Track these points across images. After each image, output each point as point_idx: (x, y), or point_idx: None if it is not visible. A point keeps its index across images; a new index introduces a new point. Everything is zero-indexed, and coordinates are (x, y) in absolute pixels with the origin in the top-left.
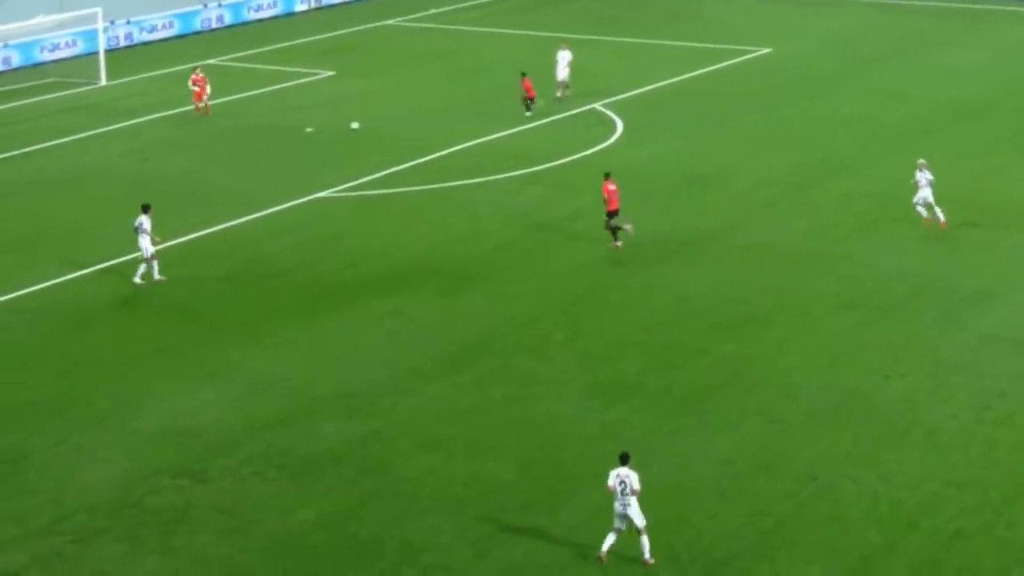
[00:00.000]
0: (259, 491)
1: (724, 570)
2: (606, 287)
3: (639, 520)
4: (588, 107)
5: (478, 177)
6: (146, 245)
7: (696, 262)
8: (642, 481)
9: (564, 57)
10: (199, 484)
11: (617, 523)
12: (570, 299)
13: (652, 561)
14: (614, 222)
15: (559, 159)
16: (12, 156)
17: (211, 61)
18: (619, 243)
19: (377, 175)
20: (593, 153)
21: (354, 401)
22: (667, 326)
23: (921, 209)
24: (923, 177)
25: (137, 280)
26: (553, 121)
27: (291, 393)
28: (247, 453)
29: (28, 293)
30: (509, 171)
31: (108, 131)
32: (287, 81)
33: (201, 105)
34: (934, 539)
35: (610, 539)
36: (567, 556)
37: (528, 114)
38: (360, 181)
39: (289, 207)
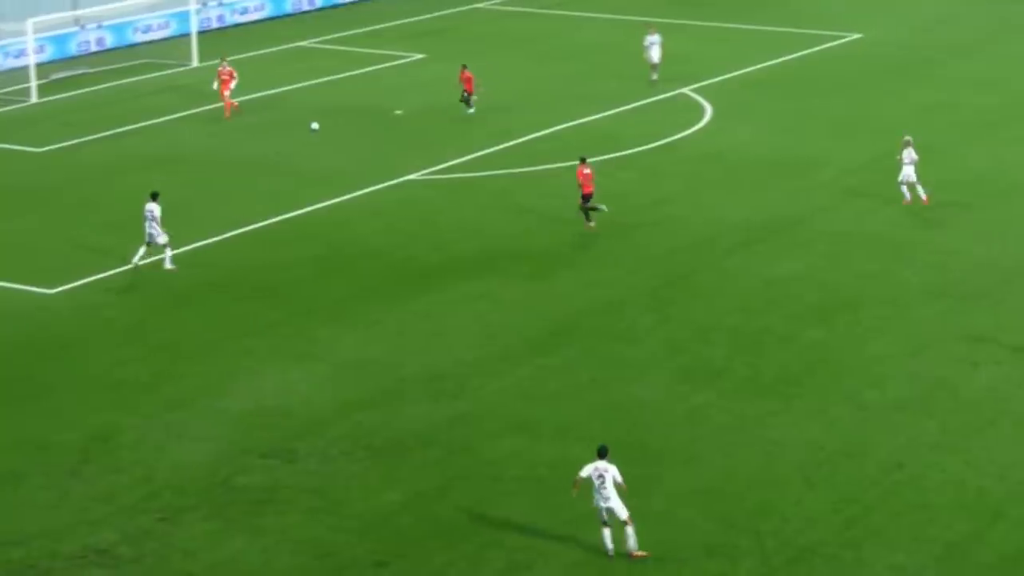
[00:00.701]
0: (347, 471)
1: (809, 557)
2: (694, 272)
3: (623, 512)
4: (677, 92)
5: (567, 161)
6: (156, 232)
7: (784, 248)
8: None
9: (655, 40)
10: (287, 464)
11: (603, 516)
12: (658, 283)
13: (640, 553)
14: (588, 204)
15: (648, 144)
16: (105, 137)
17: (302, 43)
18: (592, 223)
19: (466, 158)
20: (682, 138)
21: (441, 383)
22: (754, 312)
23: (904, 189)
24: (907, 155)
25: (169, 266)
26: (642, 106)
27: (379, 374)
28: (335, 433)
29: (122, 272)
30: (598, 155)
31: (199, 112)
32: (377, 64)
33: (230, 102)
34: (1021, 528)
35: (607, 534)
36: (654, 541)
37: (470, 111)
38: (449, 164)
39: (379, 189)
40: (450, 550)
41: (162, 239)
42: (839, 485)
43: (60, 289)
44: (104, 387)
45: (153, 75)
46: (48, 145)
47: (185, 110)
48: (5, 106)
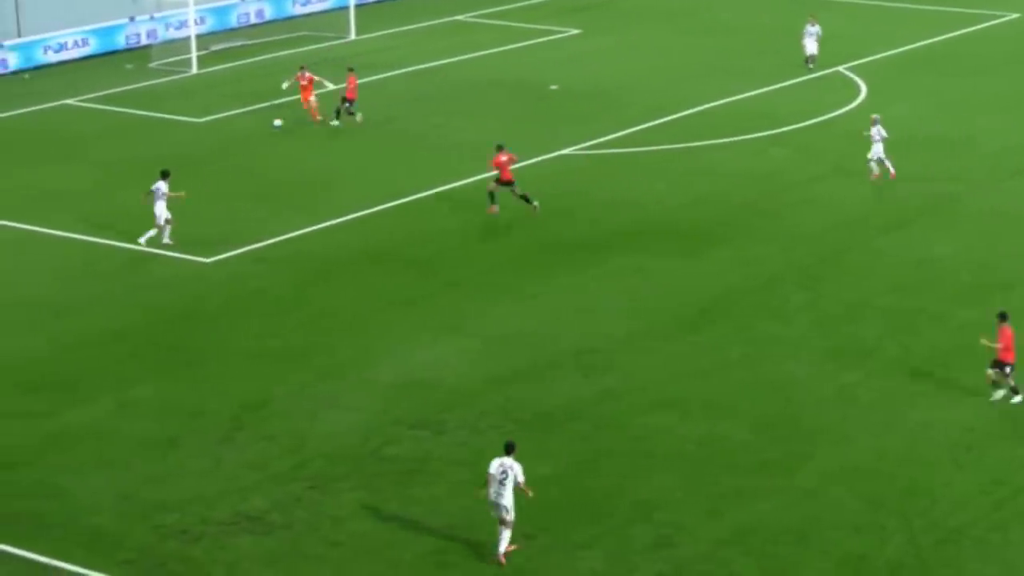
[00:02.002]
0: (495, 444)
1: (957, 538)
2: (847, 250)
3: (510, 513)
4: (832, 70)
5: (721, 138)
6: (161, 211)
7: (939, 227)
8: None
9: (813, 31)
10: (437, 435)
11: (494, 512)
12: (810, 261)
13: (503, 561)
14: (518, 191)
15: (802, 121)
16: (263, 108)
17: (459, 17)
18: (536, 204)
19: (620, 133)
20: (836, 116)
21: (591, 357)
22: (907, 291)
23: (873, 165)
24: (877, 132)
25: (167, 240)
26: (796, 83)
27: (529, 348)
28: (484, 406)
29: (276, 242)
30: (752, 132)
31: (357, 84)
32: (534, 38)
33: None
34: None
35: (506, 534)
36: (801, 518)
37: (337, 122)
38: (603, 139)
39: (532, 163)
40: (596, 524)
41: (163, 219)
42: (988, 467)
43: (215, 258)
44: (257, 356)
45: (310, 47)
46: (207, 115)
47: (341, 82)
48: (166, 76)
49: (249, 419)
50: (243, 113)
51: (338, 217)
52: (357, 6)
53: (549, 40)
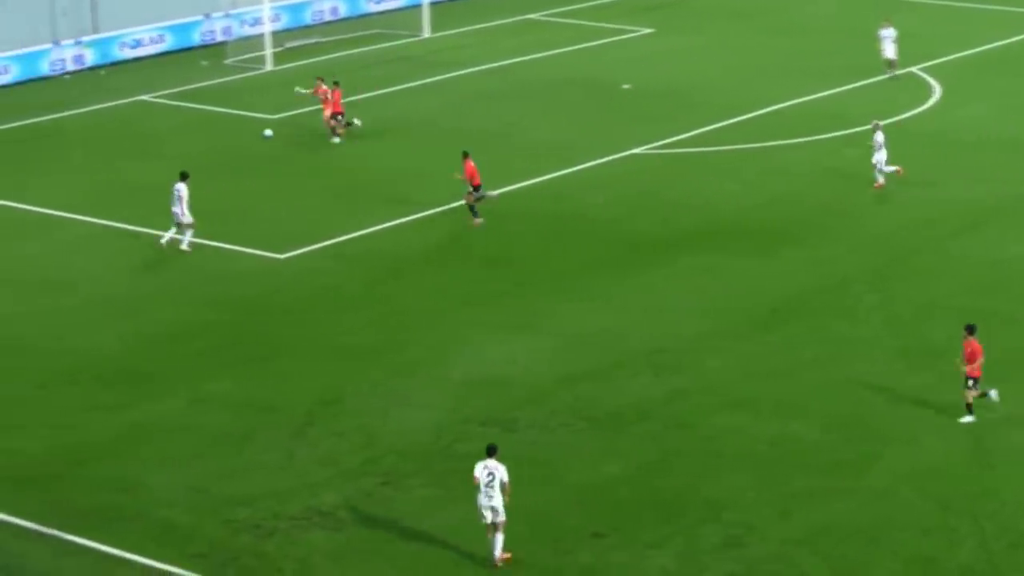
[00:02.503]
0: (566, 442)
1: None
2: (919, 251)
3: (502, 515)
4: (905, 70)
5: (794, 138)
6: (181, 212)
7: (1012, 229)
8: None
9: (888, 35)
10: (508, 433)
11: (486, 516)
12: (882, 262)
13: (500, 563)
14: (478, 194)
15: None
16: None
17: (532, 16)
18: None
19: (692, 133)
20: (909, 117)
21: (662, 357)
22: (980, 292)
23: (877, 173)
24: (879, 138)
25: (185, 248)
26: (869, 84)
27: (601, 346)
28: (556, 404)
29: (350, 239)
30: (825, 132)
31: (429, 83)
32: (606, 37)
33: (333, 119)
34: None
35: (498, 539)
36: (871, 519)
37: (338, 139)
38: (675, 138)
39: (604, 162)
40: (666, 524)
41: (186, 220)
42: None
43: (289, 255)
44: (330, 352)
45: (384, 45)
46: (280, 112)
47: (414, 80)
48: (241, 73)
49: (321, 415)
50: (317, 110)
51: (411, 215)
52: (431, 4)
53: (622, 39)
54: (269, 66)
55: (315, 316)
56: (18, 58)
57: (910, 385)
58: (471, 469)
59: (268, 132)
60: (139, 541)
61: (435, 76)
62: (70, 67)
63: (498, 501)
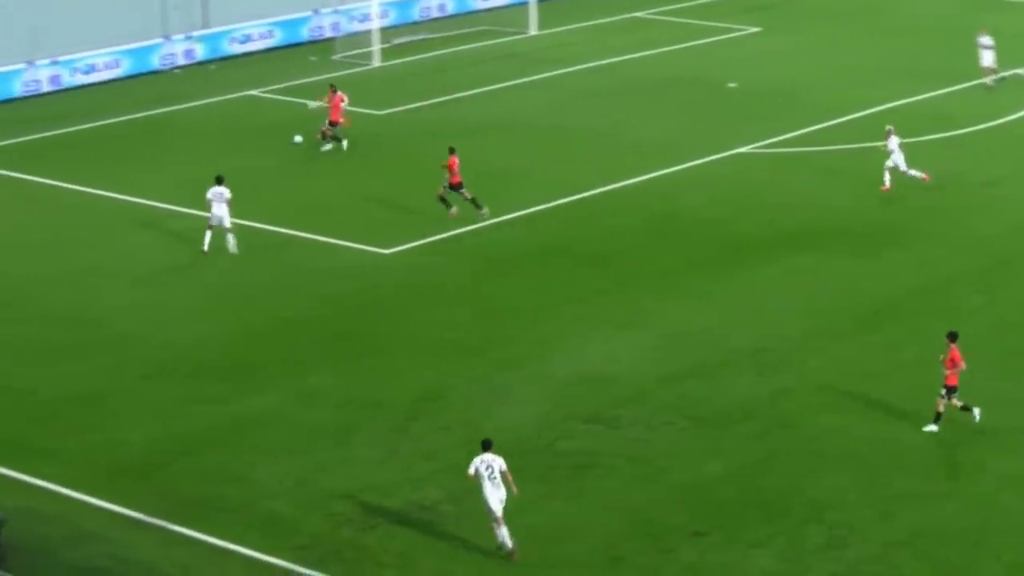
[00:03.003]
0: (669, 441)
1: None
2: None
3: (505, 496)
4: (1011, 72)
5: (902, 138)
6: (223, 214)
7: None
8: None
9: (985, 43)
10: (610, 431)
11: (495, 510)
12: (987, 264)
13: (516, 556)
14: (462, 195)
15: (981, 124)
16: (444, 101)
17: (638, 14)
18: (455, 209)
19: (798, 132)
20: (1016, 119)
21: (766, 356)
22: None
23: (913, 172)
24: (893, 143)
25: (232, 250)
26: (974, 86)
27: (704, 345)
28: (658, 403)
29: (455, 235)
30: (929, 134)
31: (535, 80)
32: (713, 36)
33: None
34: None
35: (504, 531)
36: (973, 523)
37: (326, 147)
38: (780, 138)
39: (709, 161)
40: (768, 524)
41: (227, 222)
42: None
43: (394, 249)
44: (434, 347)
45: (491, 42)
46: (388, 108)
47: (521, 77)
48: (349, 69)
49: (424, 410)
50: (424, 106)
51: (516, 211)
52: (539, 2)
53: (728, 38)
54: (377, 62)
55: (419, 311)
56: (129, 52)
57: (1013, 389)
58: (573, 465)
59: (298, 138)
60: (243, 532)
61: (541, 74)
62: (180, 62)
63: (503, 492)
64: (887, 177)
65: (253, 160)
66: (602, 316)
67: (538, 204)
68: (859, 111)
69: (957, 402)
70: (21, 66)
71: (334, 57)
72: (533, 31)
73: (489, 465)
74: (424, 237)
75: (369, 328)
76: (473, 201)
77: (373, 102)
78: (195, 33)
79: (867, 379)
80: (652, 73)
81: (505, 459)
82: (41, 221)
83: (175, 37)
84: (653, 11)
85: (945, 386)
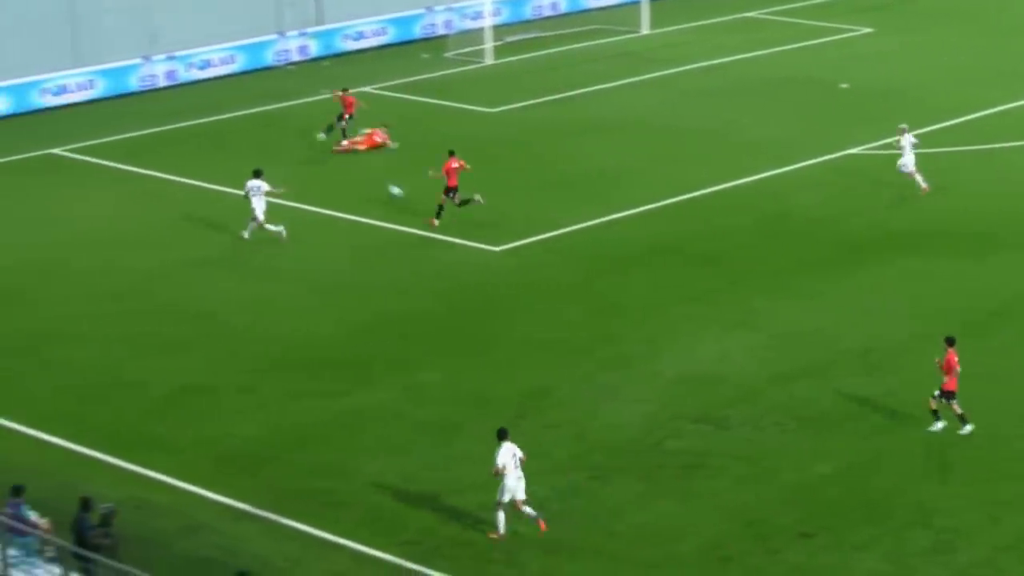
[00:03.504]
0: (777, 441)
1: None
2: None
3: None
4: None
5: (1014, 140)
6: (259, 208)
7: None
8: None
9: None
10: (719, 431)
11: (514, 494)
12: None
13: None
14: (457, 197)
15: None
16: (556, 100)
17: (750, 14)
18: (478, 197)
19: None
20: None
21: (876, 357)
22: None
23: (917, 178)
24: (907, 142)
25: (281, 235)
26: None
27: (814, 346)
28: (768, 403)
29: (565, 233)
30: None
31: (648, 79)
32: (825, 36)
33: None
34: None
35: (503, 518)
36: None
37: (323, 136)
38: (892, 139)
39: (821, 161)
40: (876, 526)
41: (260, 214)
42: None
43: (505, 247)
44: (543, 345)
45: (603, 41)
46: (500, 106)
47: (633, 76)
48: (461, 67)
49: (532, 407)
50: (535, 104)
51: (627, 210)
52: (651, 1)
53: (841, 38)
54: (489, 60)
55: (528, 309)
56: (244, 48)
57: None
58: (681, 465)
59: (396, 190)
60: (351, 527)
61: (653, 73)
62: (294, 58)
63: (523, 480)
64: (919, 178)
65: (364, 157)
66: (712, 315)
67: (649, 203)
68: (972, 113)
69: (957, 408)
70: (138, 61)
71: (446, 55)
72: (645, 30)
73: (514, 454)
74: (534, 235)
75: (478, 325)
76: (464, 203)
77: (485, 100)
78: (309, 30)
79: (979, 381)
80: (764, 73)
81: (612, 458)
82: (156, 215)
83: (289, 33)
84: (765, 11)
85: (942, 390)
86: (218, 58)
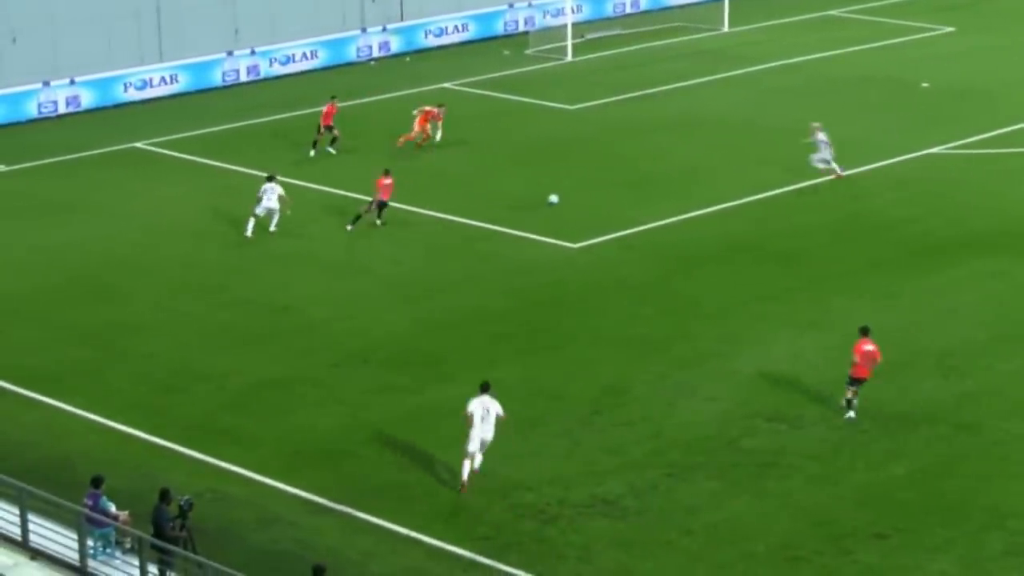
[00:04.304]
0: (852, 441)
1: None
2: None
3: (489, 441)
4: None
5: None
6: (273, 206)
7: None
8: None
9: None
10: (794, 430)
11: (472, 447)
12: None
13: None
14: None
15: None
16: (635, 97)
17: (831, 12)
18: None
19: (991, 134)
20: None
21: (951, 359)
22: None
23: (820, 165)
24: (821, 138)
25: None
26: None
27: (889, 346)
28: (842, 403)
29: (643, 230)
30: None
31: (727, 77)
32: (906, 35)
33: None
34: None
35: (467, 467)
36: None
37: (313, 154)
38: (973, 139)
39: (900, 161)
40: (950, 528)
41: (262, 208)
42: None
43: (582, 244)
44: (619, 342)
45: (683, 39)
46: (579, 103)
47: (713, 74)
48: (542, 63)
49: (608, 404)
50: (615, 102)
51: (704, 208)
52: None
53: (922, 37)
54: (570, 57)
55: (605, 305)
56: (327, 43)
57: None
58: (755, 464)
59: (554, 198)
60: (426, 521)
61: (733, 71)
62: (376, 53)
63: (490, 434)
64: (836, 167)
65: (445, 153)
66: (788, 314)
67: (727, 201)
68: None
69: (850, 392)
70: (221, 56)
71: (527, 51)
72: (725, 28)
73: (487, 408)
74: (612, 232)
75: (555, 321)
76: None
77: (565, 97)
78: (391, 25)
79: None
80: (844, 72)
81: (687, 455)
82: (236, 210)
83: (371, 29)
84: (846, 9)
85: (850, 376)
86: (300, 53)
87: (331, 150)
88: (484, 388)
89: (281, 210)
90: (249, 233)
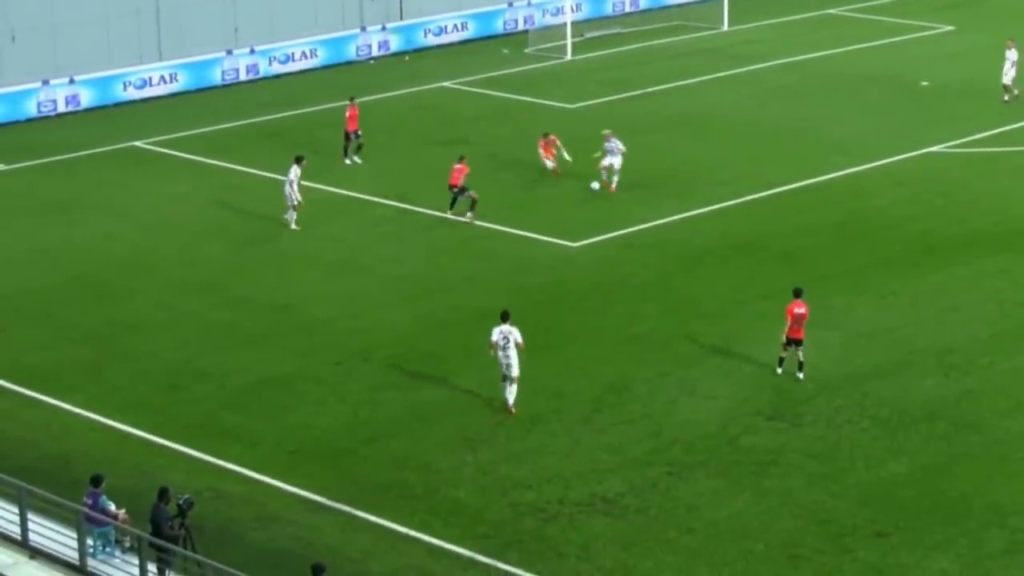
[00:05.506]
0: (852, 440)
1: None
2: None
3: (516, 370)
4: None
5: None
6: (292, 194)
7: None
8: None
9: (1011, 56)
10: (794, 428)
11: (505, 371)
12: None
13: (515, 411)
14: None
15: None
16: (636, 96)
17: (831, 11)
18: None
19: (992, 132)
20: None
21: (952, 358)
22: None
23: (604, 173)
24: (613, 147)
25: (292, 227)
26: None
27: (890, 345)
28: (843, 401)
29: (644, 229)
30: None
31: (727, 75)
32: (906, 34)
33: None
34: None
35: (506, 388)
36: None
37: (348, 162)
38: (973, 137)
39: (900, 160)
40: (951, 526)
41: (293, 201)
42: None
43: (583, 243)
44: (620, 340)
45: (683, 37)
46: (579, 102)
47: (713, 73)
48: (542, 62)
49: (609, 402)
50: (614, 101)
51: (706, 206)
52: None
53: (921, 36)
54: (569, 55)
55: (606, 304)
56: (326, 42)
57: None
58: (756, 462)
59: (595, 185)
60: (426, 519)
61: (733, 69)
62: (375, 52)
63: (514, 358)
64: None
65: (446, 151)
66: None
67: (727, 200)
68: None
69: (783, 353)
70: (220, 55)
71: (527, 50)
72: (725, 27)
73: (506, 336)
74: (612, 231)
75: (556, 320)
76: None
77: (565, 96)
78: (390, 24)
79: None
80: (844, 70)
81: (688, 453)
82: (236, 208)
83: (371, 28)
84: (845, 8)
85: (787, 337)
86: (300, 52)
87: (357, 160)
88: (504, 317)
89: (290, 195)
90: (293, 226)
